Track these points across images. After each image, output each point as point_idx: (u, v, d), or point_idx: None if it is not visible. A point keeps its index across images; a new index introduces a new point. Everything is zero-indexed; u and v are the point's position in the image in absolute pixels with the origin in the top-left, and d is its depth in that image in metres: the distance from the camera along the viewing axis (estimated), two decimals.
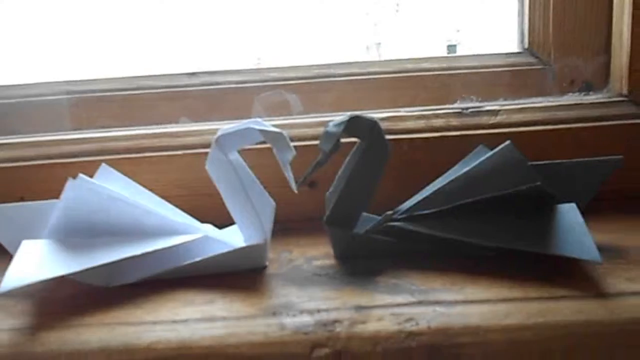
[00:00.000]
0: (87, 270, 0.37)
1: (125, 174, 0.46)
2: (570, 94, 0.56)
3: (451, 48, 1.02)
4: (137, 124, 0.57)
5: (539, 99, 0.55)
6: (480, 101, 0.55)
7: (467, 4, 0.86)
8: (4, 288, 0.34)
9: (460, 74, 0.61)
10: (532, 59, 0.61)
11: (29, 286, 0.35)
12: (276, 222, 0.43)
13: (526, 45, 0.62)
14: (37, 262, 0.37)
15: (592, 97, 0.54)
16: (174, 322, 0.34)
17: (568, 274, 0.36)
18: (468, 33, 0.92)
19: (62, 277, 0.37)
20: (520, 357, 0.32)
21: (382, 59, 0.84)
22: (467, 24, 0.91)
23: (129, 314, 0.36)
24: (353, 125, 0.40)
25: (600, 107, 0.51)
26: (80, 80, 0.64)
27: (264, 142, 0.41)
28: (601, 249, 0.39)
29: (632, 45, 0.51)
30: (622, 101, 0.52)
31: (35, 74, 0.72)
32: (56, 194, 0.43)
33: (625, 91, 0.52)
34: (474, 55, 0.64)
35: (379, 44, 1.21)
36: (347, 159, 0.42)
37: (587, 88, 0.59)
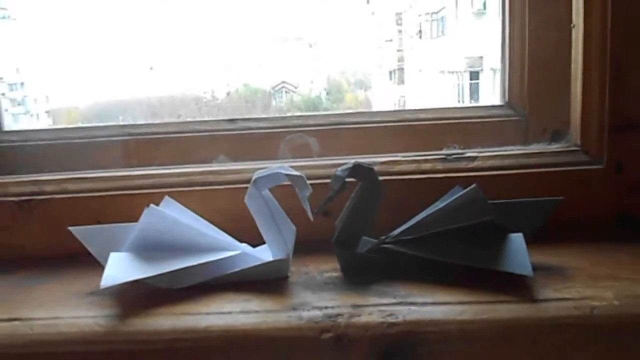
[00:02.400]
0: (158, 275, 0.51)
1: (181, 203, 0.60)
2: (536, 143, 0.68)
3: (474, 74, 1.10)
4: (186, 162, 0.71)
5: (510, 147, 0.67)
6: (462, 148, 0.68)
7: (489, 31, 0.90)
8: (104, 285, 0.48)
9: (450, 123, 0.74)
10: (510, 111, 0.73)
11: (118, 285, 0.49)
12: (297, 243, 0.55)
13: (506, 99, 0.74)
14: (123, 268, 0.51)
15: (553, 147, 0.66)
16: (222, 313, 0.48)
17: (511, 285, 0.49)
18: (491, 60, 0.99)
19: (136, 281, 0.50)
20: (469, 343, 0.45)
21: (404, 85, 0.96)
22: (490, 51, 0.97)
23: (189, 307, 0.49)
24: (355, 171, 0.54)
25: (557, 155, 0.64)
26: (139, 124, 0.77)
27: (288, 182, 0.54)
28: (543, 268, 0.52)
29: (583, 106, 0.64)
30: (575, 151, 0.64)
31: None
32: (125, 218, 0.57)
33: (578, 142, 0.65)
34: (462, 107, 0.77)
35: (402, 69, 1.29)
36: (351, 195, 0.55)
37: (556, 136, 0.71)
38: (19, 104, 1.04)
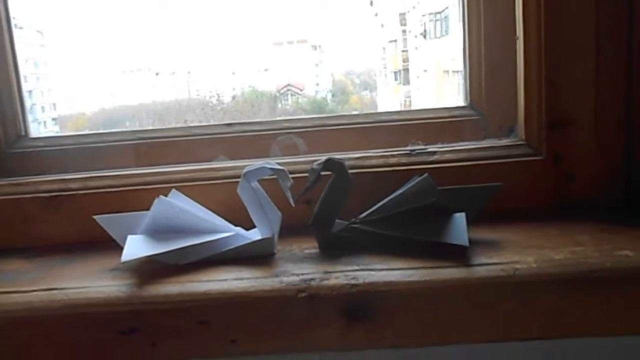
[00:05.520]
0: (167, 252, 0.62)
1: (186, 195, 0.71)
2: (493, 139, 0.79)
3: None
4: (190, 161, 0.82)
5: (465, 143, 0.78)
6: (425, 144, 0.78)
7: None
8: (124, 260, 0.60)
9: (418, 123, 0.85)
10: (471, 111, 0.84)
11: (135, 260, 0.61)
12: (283, 227, 0.66)
13: (468, 101, 0.85)
14: (139, 247, 0.62)
15: (502, 142, 0.76)
16: (219, 280, 0.59)
17: (453, 254, 0.60)
18: None
19: (148, 257, 0.62)
20: (415, 299, 0.56)
21: (409, 85, 1.05)
22: None
23: (192, 277, 0.60)
24: (328, 164, 0.65)
25: (505, 149, 0.74)
26: (148, 130, 0.88)
27: (274, 175, 0.66)
28: (482, 242, 0.63)
29: (525, 106, 0.74)
30: (521, 145, 0.75)
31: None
32: (140, 208, 0.68)
33: (523, 137, 0.75)
34: (430, 109, 0.88)
35: (407, 69, 1.33)
36: (326, 185, 0.66)
37: (510, 133, 0.81)
38: (28, 112, 1.05)
